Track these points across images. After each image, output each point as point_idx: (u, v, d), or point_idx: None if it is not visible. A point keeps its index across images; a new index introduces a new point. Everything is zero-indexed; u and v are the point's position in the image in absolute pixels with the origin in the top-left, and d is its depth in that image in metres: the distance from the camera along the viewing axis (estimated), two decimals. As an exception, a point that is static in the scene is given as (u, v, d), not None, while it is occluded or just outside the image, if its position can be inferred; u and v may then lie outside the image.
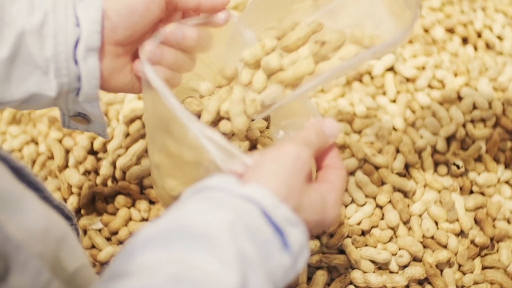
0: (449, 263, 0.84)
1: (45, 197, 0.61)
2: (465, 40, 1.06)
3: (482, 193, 0.91)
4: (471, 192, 0.91)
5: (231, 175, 0.51)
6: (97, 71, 0.59)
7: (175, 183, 0.65)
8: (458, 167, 0.89)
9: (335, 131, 0.56)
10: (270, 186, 0.49)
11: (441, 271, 0.84)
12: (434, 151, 0.92)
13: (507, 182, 0.92)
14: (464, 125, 0.94)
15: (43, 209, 0.51)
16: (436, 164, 0.91)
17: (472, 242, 0.86)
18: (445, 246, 0.84)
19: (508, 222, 0.89)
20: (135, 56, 0.63)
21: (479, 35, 1.05)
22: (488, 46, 1.04)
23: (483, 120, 0.95)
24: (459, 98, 0.97)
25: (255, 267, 0.46)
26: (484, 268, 0.86)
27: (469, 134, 0.93)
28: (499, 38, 1.05)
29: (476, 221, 0.88)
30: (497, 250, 0.87)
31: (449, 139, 0.93)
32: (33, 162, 0.94)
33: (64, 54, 0.58)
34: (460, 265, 0.85)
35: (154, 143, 0.65)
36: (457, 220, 0.86)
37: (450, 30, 1.06)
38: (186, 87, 0.67)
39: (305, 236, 0.50)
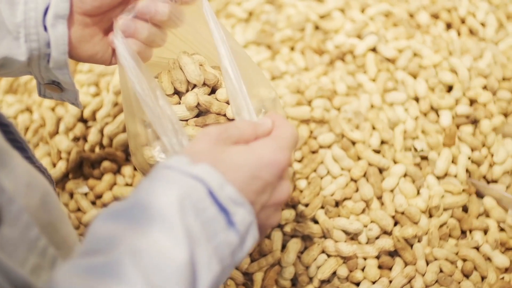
0: (418, 238, 0.86)
1: (28, 157, 0.64)
2: (449, 26, 1.08)
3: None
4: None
5: (184, 156, 0.52)
6: (65, 37, 0.63)
7: (152, 152, 0.69)
8: (415, 150, 0.91)
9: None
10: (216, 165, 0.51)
11: (412, 245, 0.86)
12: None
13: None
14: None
15: (26, 166, 0.53)
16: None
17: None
18: (416, 223, 0.86)
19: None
20: (110, 29, 0.66)
21: (463, 21, 1.07)
22: (471, 32, 1.06)
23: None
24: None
25: (201, 243, 0.48)
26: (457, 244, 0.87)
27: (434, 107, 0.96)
28: (482, 25, 1.06)
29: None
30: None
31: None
32: (26, 129, 0.98)
33: (34, 20, 0.61)
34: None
35: (130, 114, 0.68)
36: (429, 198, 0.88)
37: (435, 16, 1.08)
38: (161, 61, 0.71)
39: (252, 215, 0.51)
